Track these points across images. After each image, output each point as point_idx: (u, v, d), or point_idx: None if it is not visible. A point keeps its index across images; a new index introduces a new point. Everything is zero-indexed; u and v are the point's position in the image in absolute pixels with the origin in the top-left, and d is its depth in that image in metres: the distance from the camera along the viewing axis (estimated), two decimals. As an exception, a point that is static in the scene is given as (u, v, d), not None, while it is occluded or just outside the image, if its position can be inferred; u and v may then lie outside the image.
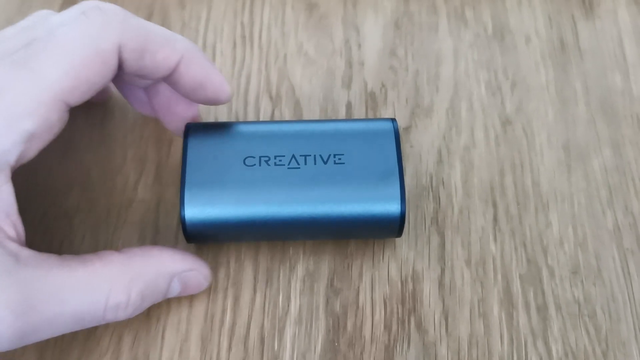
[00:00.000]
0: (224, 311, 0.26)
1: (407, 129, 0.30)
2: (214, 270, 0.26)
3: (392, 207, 0.24)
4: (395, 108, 0.31)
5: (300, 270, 0.27)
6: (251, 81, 0.31)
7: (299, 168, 0.24)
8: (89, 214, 0.28)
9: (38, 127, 0.21)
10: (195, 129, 0.25)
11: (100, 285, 0.21)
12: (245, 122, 0.26)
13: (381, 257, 0.27)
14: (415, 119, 0.30)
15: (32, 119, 0.21)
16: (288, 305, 0.26)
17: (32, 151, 0.22)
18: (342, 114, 0.30)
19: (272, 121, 0.29)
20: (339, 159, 0.24)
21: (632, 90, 0.31)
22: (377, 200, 0.24)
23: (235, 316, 0.25)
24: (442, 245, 0.27)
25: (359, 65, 0.32)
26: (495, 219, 0.28)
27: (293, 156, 0.24)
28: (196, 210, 0.24)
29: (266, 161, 0.24)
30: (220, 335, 0.25)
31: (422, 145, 0.30)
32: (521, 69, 0.32)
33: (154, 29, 0.23)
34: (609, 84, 0.32)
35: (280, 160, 0.24)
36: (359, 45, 0.33)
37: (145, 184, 0.28)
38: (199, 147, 0.24)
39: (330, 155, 0.24)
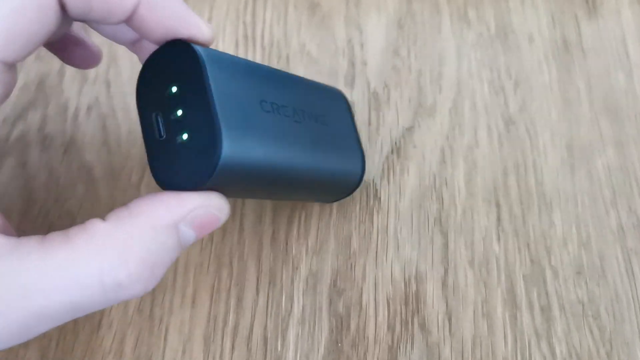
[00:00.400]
0: (227, 312, 0.26)
1: (410, 128, 0.30)
2: (217, 271, 0.26)
3: (358, 168, 0.26)
4: (398, 108, 0.31)
5: (303, 270, 0.27)
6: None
7: (301, 123, 0.23)
8: (91, 213, 0.27)
9: None
10: (209, 55, 0.20)
11: (86, 264, 0.18)
12: (240, 58, 0.23)
13: (384, 258, 0.27)
14: (418, 119, 0.30)
15: None
16: (291, 306, 0.26)
17: None
18: (344, 114, 0.30)
19: (260, 63, 0.25)
20: (323, 119, 0.25)
21: (636, 89, 0.31)
22: (350, 161, 0.26)
23: (238, 317, 0.25)
24: (446, 245, 0.27)
25: (362, 65, 0.32)
26: (498, 219, 0.28)
27: (294, 109, 0.23)
28: (233, 154, 0.19)
29: (277, 109, 0.22)
30: (223, 335, 0.25)
31: (425, 145, 0.30)
32: (524, 68, 0.32)
33: None
34: (613, 83, 0.32)
35: (286, 111, 0.22)
36: (362, 45, 0.33)
37: (148, 183, 0.28)
38: (216, 72, 0.20)
39: (317, 115, 0.24)
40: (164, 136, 0.19)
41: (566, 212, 0.28)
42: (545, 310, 0.26)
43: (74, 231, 0.18)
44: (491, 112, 0.31)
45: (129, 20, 0.20)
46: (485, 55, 0.32)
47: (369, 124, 0.30)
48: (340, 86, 0.31)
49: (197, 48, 0.20)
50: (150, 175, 0.28)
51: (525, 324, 0.26)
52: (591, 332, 0.25)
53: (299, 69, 0.32)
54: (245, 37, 0.33)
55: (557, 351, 0.25)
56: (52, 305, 0.17)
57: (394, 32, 0.33)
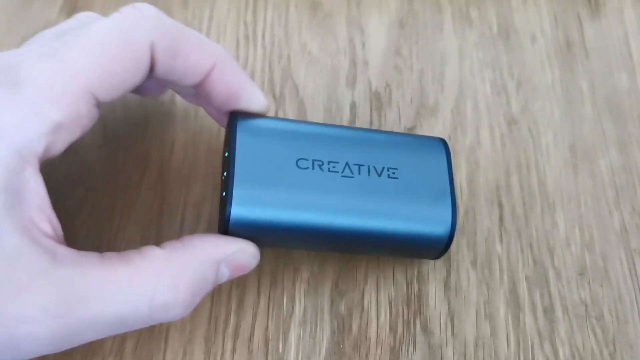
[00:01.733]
0: (228, 313, 0.25)
1: (412, 129, 0.30)
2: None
3: (441, 229, 0.23)
4: (400, 108, 0.30)
5: (304, 271, 0.26)
6: (254, 81, 0.31)
7: (353, 177, 0.23)
8: (91, 213, 0.27)
9: (65, 117, 0.20)
10: (244, 119, 0.23)
11: (143, 284, 0.20)
12: (296, 121, 0.25)
13: (386, 258, 0.27)
14: (420, 119, 0.30)
15: (58, 108, 0.20)
16: (292, 307, 0.26)
17: (60, 144, 0.21)
18: (346, 114, 0.30)
19: (323, 123, 0.27)
20: (393, 173, 0.23)
21: (639, 89, 0.31)
22: (428, 220, 0.23)
23: (239, 318, 0.25)
24: (448, 246, 0.27)
25: (363, 65, 0.32)
26: (501, 220, 0.28)
27: (347, 164, 0.23)
28: (244, 209, 0.22)
29: (320, 166, 0.23)
30: (224, 337, 0.25)
31: (427, 145, 0.29)
32: (527, 68, 0.32)
33: (188, 31, 0.23)
34: (616, 83, 0.31)
35: (334, 167, 0.23)
36: (363, 45, 0.32)
37: (148, 184, 0.28)
38: (249, 140, 0.23)
39: (384, 168, 0.23)
40: (223, 193, 0.23)
41: (569, 213, 0.28)
42: (548, 311, 0.26)
43: (132, 254, 0.21)
44: (493, 112, 0.30)
45: (201, 83, 0.23)
46: (488, 55, 0.32)
47: (371, 124, 0.30)
48: (342, 86, 0.31)
49: (237, 118, 0.23)
50: (151, 175, 0.28)
51: (528, 325, 0.25)
52: (594, 333, 0.25)
53: (300, 69, 0.31)
54: (246, 36, 0.32)
55: (560, 352, 0.25)
56: (104, 315, 0.19)
57: (395, 31, 0.33)
